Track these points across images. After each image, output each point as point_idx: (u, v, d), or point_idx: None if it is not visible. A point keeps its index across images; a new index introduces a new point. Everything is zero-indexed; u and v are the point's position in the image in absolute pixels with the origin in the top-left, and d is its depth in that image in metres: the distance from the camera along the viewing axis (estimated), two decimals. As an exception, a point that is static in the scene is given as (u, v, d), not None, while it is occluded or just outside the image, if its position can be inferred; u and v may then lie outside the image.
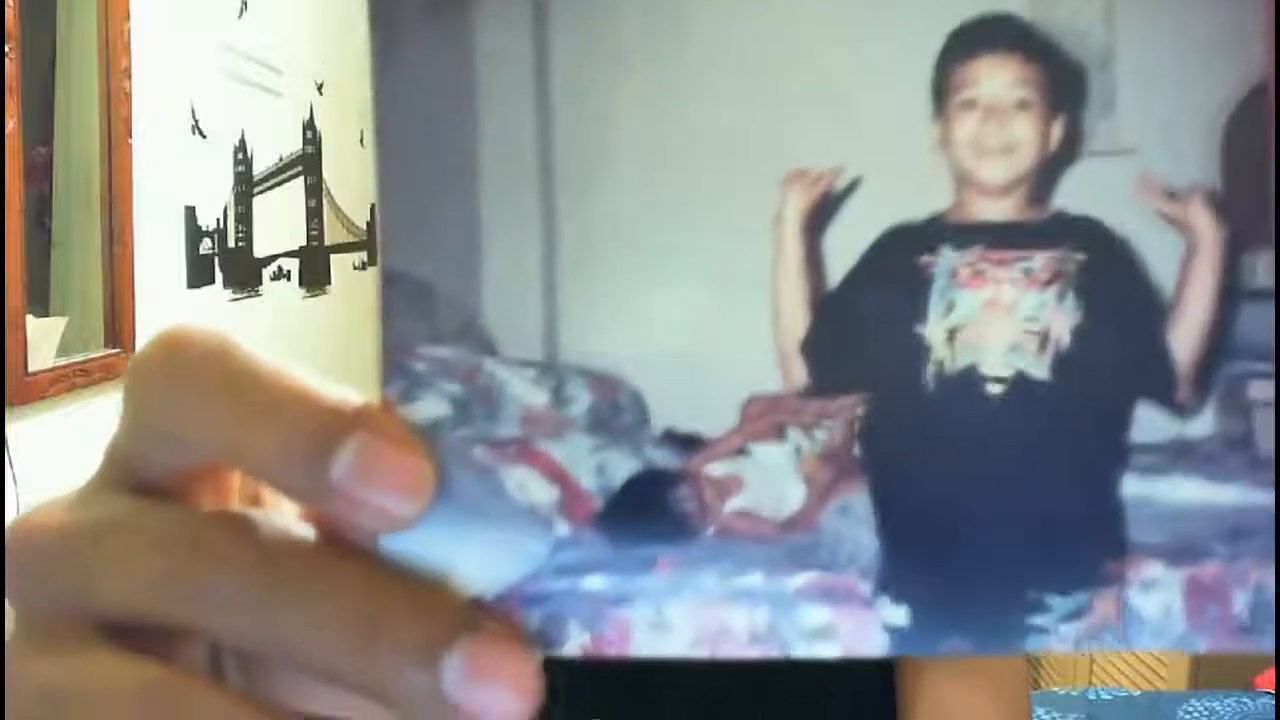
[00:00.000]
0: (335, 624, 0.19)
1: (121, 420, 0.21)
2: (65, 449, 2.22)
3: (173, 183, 2.68)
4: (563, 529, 0.21)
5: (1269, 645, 0.20)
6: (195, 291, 2.76)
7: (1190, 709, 2.15)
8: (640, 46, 0.21)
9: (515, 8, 0.21)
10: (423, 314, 0.21)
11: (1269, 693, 2.22)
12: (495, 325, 0.21)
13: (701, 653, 0.21)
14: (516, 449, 0.21)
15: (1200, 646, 0.20)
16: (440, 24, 0.21)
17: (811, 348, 0.21)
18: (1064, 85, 0.21)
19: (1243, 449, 0.21)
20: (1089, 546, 0.21)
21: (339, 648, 0.19)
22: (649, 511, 0.21)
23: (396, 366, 0.21)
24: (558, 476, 0.21)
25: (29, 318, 2.19)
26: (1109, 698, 2.24)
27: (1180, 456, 0.21)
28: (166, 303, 2.60)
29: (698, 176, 0.21)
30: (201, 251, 2.80)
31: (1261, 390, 0.21)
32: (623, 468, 0.21)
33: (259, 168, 3.09)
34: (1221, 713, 2.13)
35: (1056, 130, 0.21)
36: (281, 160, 3.19)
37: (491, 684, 0.19)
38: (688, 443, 0.21)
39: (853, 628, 0.20)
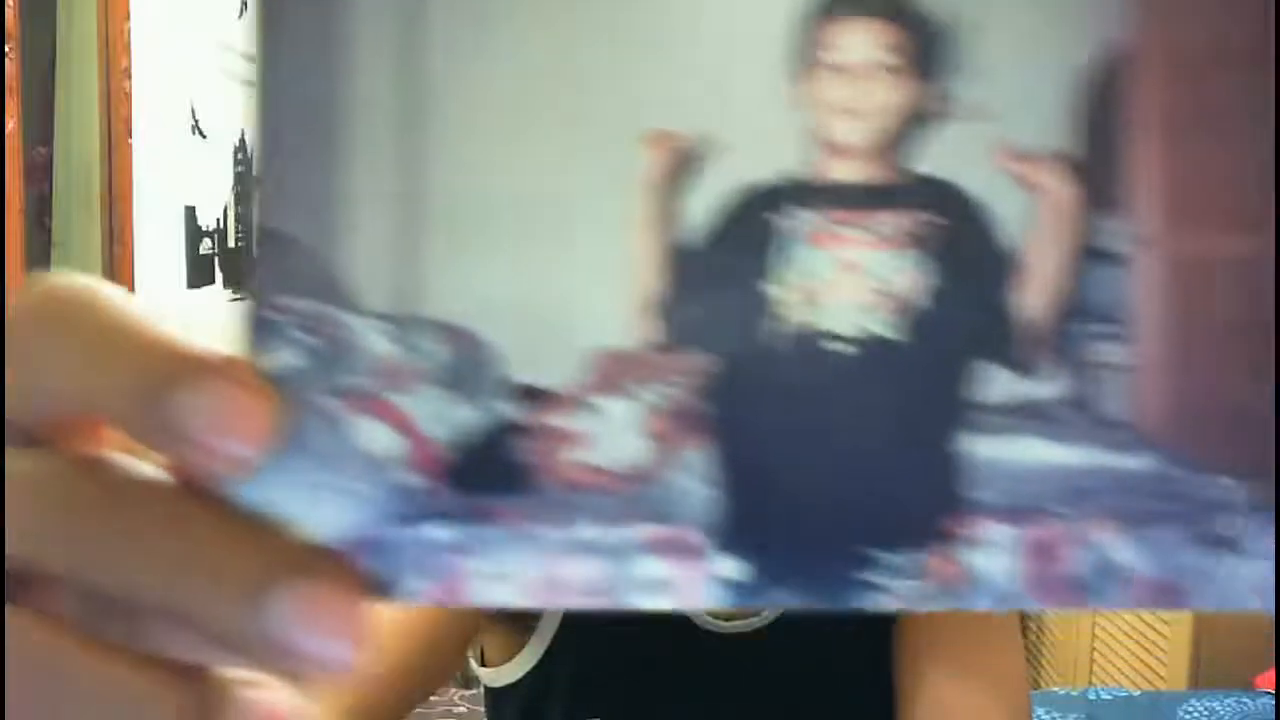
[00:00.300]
0: (169, 563, 0.20)
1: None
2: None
3: (173, 183, 2.69)
4: (407, 479, 0.21)
5: (1109, 604, 0.20)
6: (195, 291, 2.77)
7: (1190, 709, 2.15)
8: (505, 6, 0.21)
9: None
10: (287, 267, 0.21)
11: (1269, 693, 2.22)
12: (353, 279, 0.21)
13: (536, 603, 0.21)
14: (366, 400, 0.21)
15: (1040, 604, 0.20)
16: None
17: (662, 305, 0.21)
18: (925, 49, 0.21)
19: (1089, 411, 0.21)
20: (928, 505, 0.21)
21: (172, 587, 0.19)
22: (493, 464, 0.21)
23: (256, 318, 0.21)
24: (405, 428, 0.21)
25: None
26: (1109, 698, 2.24)
27: (1027, 418, 0.21)
28: (166, 303, 2.63)
29: (557, 131, 0.21)
30: (201, 251, 2.81)
31: (1110, 353, 0.21)
32: (470, 420, 0.21)
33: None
34: (1221, 713, 2.13)
35: (916, 94, 0.21)
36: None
37: (318, 627, 0.19)
38: (535, 396, 0.21)
39: (687, 580, 0.21)
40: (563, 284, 0.21)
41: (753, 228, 0.21)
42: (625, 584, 0.21)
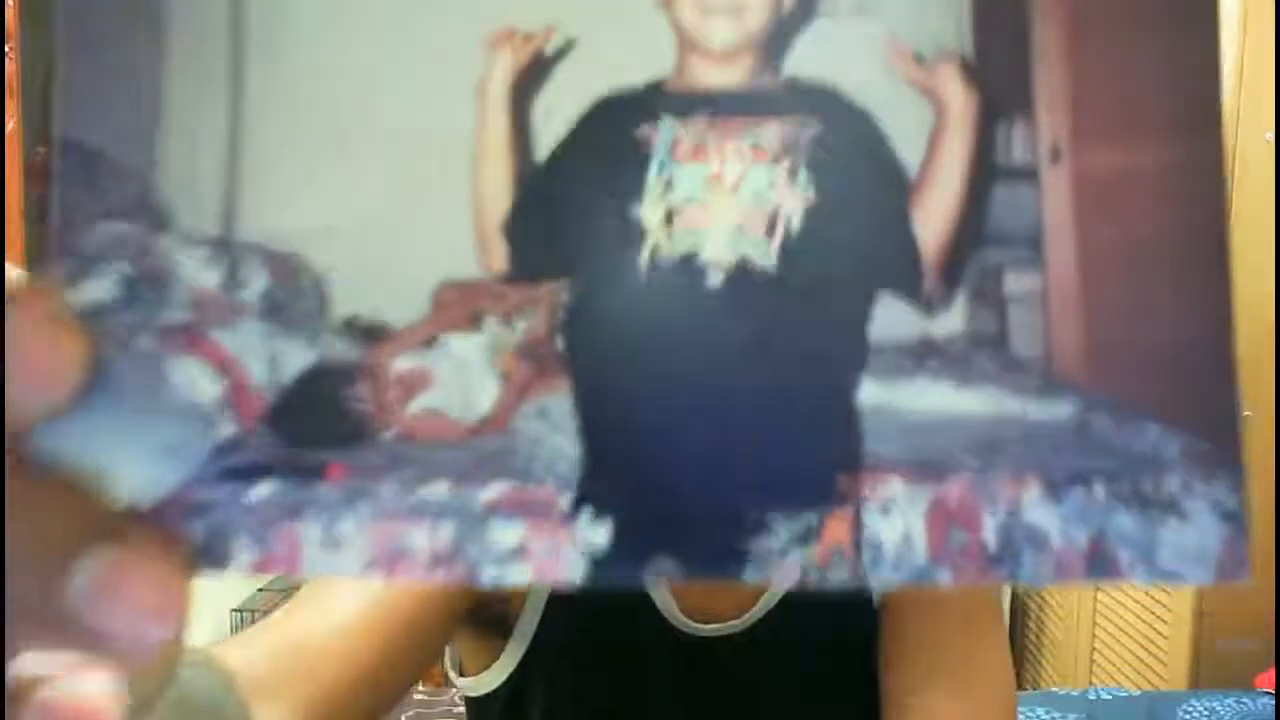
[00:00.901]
0: None
1: None
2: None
3: None
4: (228, 428, 0.18)
5: (1020, 577, 0.18)
6: None
7: (1190, 709, 2.13)
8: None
9: None
10: (95, 186, 0.19)
11: (1269, 693, 2.20)
12: (170, 199, 0.19)
13: (377, 574, 0.18)
14: (184, 337, 0.19)
15: (943, 579, 0.18)
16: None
17: (514, 229, 0.19)
18: (802, -62, 0.18)
19: (996, 349, 0.18)
20: (820, 460, 0.18)
21: None
22: (323, 411, 0.18)
23: (63, 244, 0.19)
24: (226, 368, 0.18)
25: None
26: (1109, 697, 2.22)
27: (925, 357, 0.18)
28: None
29: (395, 36, 0.19)
30: None
31: (1017, 282, 0.18)
32: (297, 359, 0.19)
33: None
34: (1221, 713, 2.11)
35: (792, -13, 0.19)
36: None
37: (125, 602, 0.17)
38: (371, 333, 0.19)
39: (548, 549, 0.18)
40: (401, 207, 0.19)
41: (616, 141, 0.18)
42: (478, 552, 0.18)
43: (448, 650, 0.95)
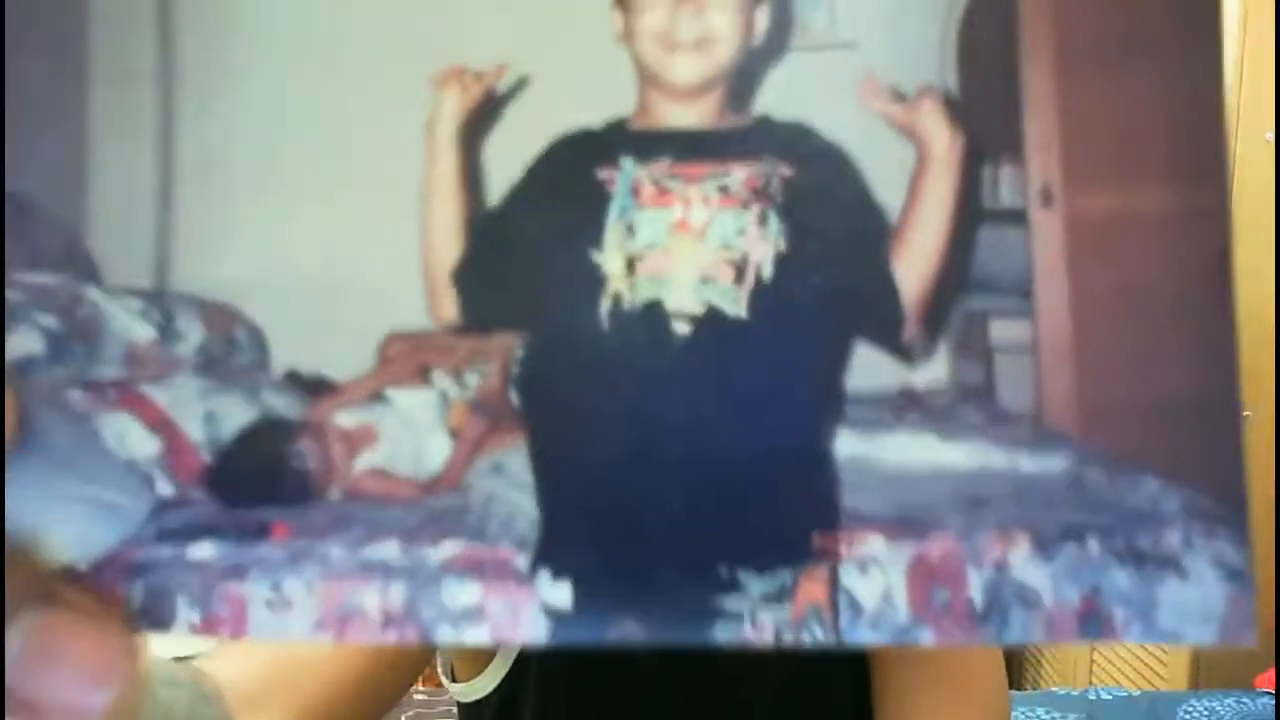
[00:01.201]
0: None
1: None
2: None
3: None
4: (166, 487, 0.17)
5: (1009, 637, 0.17)
6: None
7: (1190, 709, 2.12)
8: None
9: None
10: (22, 235, 0.18)
11: (1269, 693, 2.19)
12: (100, 248, 0.18)
13: (327, 636, 0.17)
14: (116, 393, 0.17)
15: (927, 638, 0.17)
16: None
17: (465, 276, 0.17)
18: (770, -35, 0.17)
19: (981, 401, 0.17)
20: (794, 516, 0.17)
21: None
22: (265, 469, 0.17)
23: None
24: (161, 426, 0.17)
25: None
26: (1109, 698, 2.21)
27: (906, 409, 0.17)
28: None
29: (339, 75, 0.18)
30: None
31: (1005, 330, 0.17)
32: (236, 416, 0.18)
33: None
34: (1221, 713, 2.10)
35: (761, 20, 0.17)
36: None
37: (61, 667, 0.16)
38: (314, 387, 0.18)
39: (506, 608, 0.17)
40: (344, 254, 0.17)
41: (574, 183, 0.17)
42: (432, 613, 0.17)
43: (439, 656, 0.95)
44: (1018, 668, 3.79)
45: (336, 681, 0.70)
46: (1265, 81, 2.29)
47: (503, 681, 0.84)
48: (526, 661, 0.86)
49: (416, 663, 0.77)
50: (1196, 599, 0.17)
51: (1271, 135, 2.30)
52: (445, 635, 0.17)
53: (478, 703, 0.88)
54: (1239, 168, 2.35)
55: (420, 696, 2.43)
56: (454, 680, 0.93)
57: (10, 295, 0.18)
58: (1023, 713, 2.15)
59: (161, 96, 0.18)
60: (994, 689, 0.82)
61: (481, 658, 0.86)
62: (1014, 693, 2.39)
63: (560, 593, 0.17)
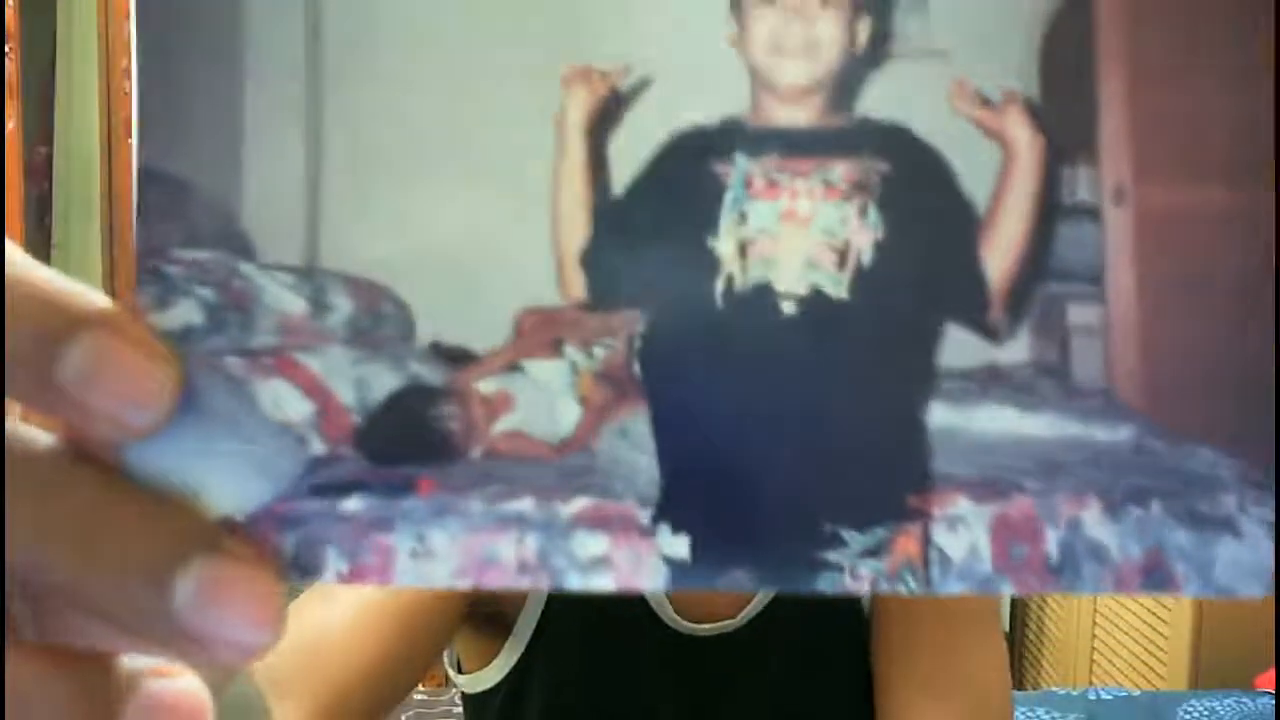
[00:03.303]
0: (60, 537, 0.18)
1: None
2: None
3: None
4: (319, 447, 0.19)
5: (1081, 588, 0.19)
6: None
7: (1190, 709, 2.14)
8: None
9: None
10: (180, 215, 0.20)
11: (1269, 693, 2.21)
12: (254, 227, 0.20)
13: (466, 582, 0.19)
14: (271, 360, 0.19)
15: (1007, 588, 0.19)
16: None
17: (592, 259, 0.19)
18: (872, -21, 0.19)
19: (1058, 377, 0.19)
20: (890, 478, 0.19)
21: (68, 567, 0.18)
22: (411, 430, 0.19)
23: (149, 271, 0.19)
24: (314, 391, 0.19)
25: None
26: (1109, 697, 2.23)
27: (991, 383, 0.19)
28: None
29: (476, 71, 0.20)
30: None
31: (1079, 314, 0.19)
32: (384, 382, 0.19)
33: None
34: (1221, 713, 2.12)
35: (862, 29, 0.19)
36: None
37: (227, 609, 0.18)
38: (455, 357, 0.19)
39: (630, 558, 0.19)
40: (482, 236, 0.19)
41: (689, 175, 0.19)
42: (563, 562, 0.19)
43: (446, 649, 0.97)
44: (1018, 668, 3.80)
45: (355, 669, 0.72)
46: None
47: (510, 673, 0.88)
48: (532, 656, 0.87)
49: (429, 653, 0.80)
50: (1249, 557, 0.18)
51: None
52: (574, 583, 0.19)
53: (485, 694, 0.91)
54: None
55: (420, 696, 2.44)
56: (460, 672, 0.93)
57: (171, 270, 0.20)
58: (1023, 713, 2.16)
59: (310, 87, 0.20)
60: (995, 687, 0.84)
61: (488, 649, 0.89)
62: (1014, 693, 2.40)
63: (679, 545, 0.19)
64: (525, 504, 0.19)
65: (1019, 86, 0.19)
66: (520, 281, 0.19)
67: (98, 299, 0.19)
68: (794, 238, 0.19)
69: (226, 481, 0.19)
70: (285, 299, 0.20)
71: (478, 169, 0.19)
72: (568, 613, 0.88)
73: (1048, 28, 0.19)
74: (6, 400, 0.19)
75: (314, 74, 0.20)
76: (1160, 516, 0.19)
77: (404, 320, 0.19)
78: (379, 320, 0.19)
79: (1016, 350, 0.19)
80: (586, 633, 0.88)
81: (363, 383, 0.19)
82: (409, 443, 0.19)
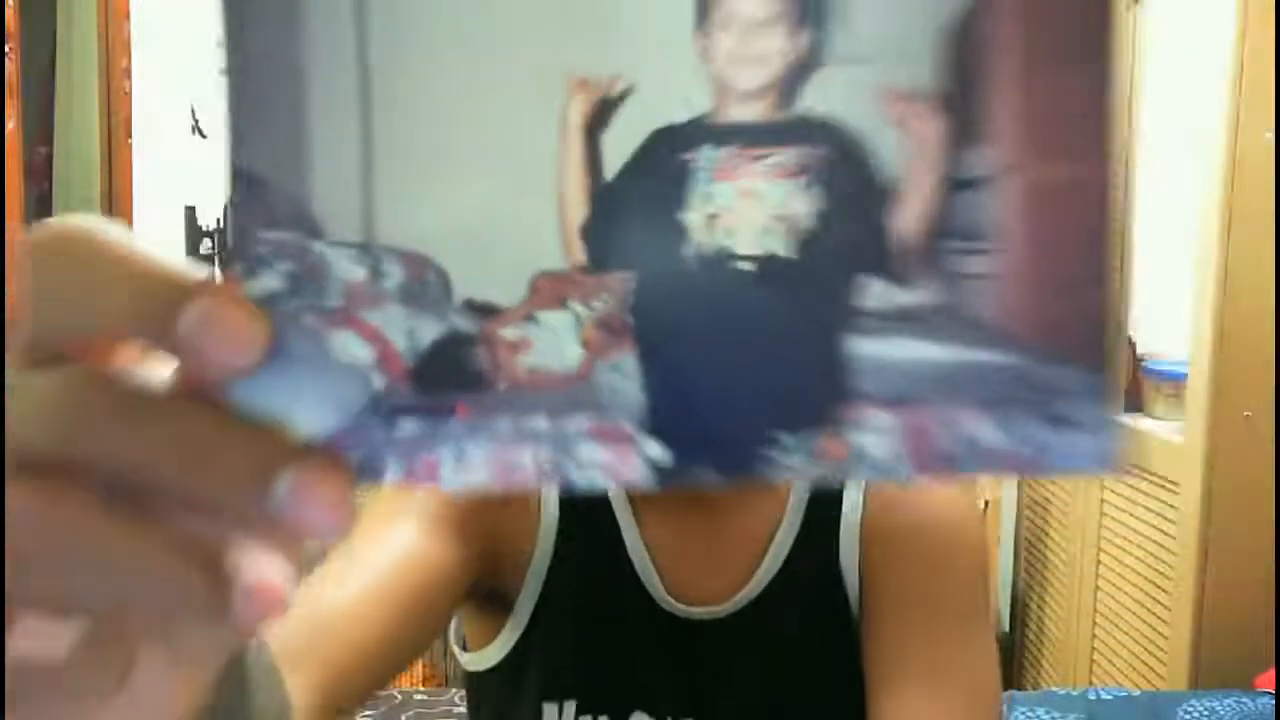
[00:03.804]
0: (191, 447, 0.24)
1: (20, 312, 0.26)
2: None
3: (173, 183, 2.72)
4: (379, 382, 0.25)
5: (969, 473, 0.24)
6: None
7: (1190, 709, 2.17)
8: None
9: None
10: (262, 205, 0.25)
11: (1269, 693, 2.23)
12: (322, 212, 0.25)
13: (497, 484, 0.25)
14: (340, 316, 0.25)
15: (913, 477, 0.24)
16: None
17: (590, 231, 0.25)
18: (808, 3, 0.25)
19: (957, 316, 0.25)
20: (820, 395, 0.25)
21: (194, 468, 0.24)
22: (451, 368, 0.25)
23: (239, 250, 0.25)
24: (374, 339, 0.25)
25: None
26: (1109, 697, 2.26)
27: (904, 321, 0.25)
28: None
29: (496, 82, 0.25)
30: (202, 251, 2.84)
31: (974, 265, 0.25)
32: (429, 332, 0.25)
33: None
34: (1221, 713, 2.15)
35: (802, 42, 0.25)
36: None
37: (313, 502, 0.24)
38: (484, 311, 0.25)
39: (621, 463, 0.25)
40: (502, 215, 0.25)
41: (665, 163, 0.25)
42: (570, 467, 0.25)
43: (453, 626, 1.00)
44: (1018, 668, 3.82)
45: (356, 648, 0.76)
46: (1265, 81, 2.35)
47: (510, 651, 0.93)
48: (532, 635, 0.92)
49: (429, 633, 0.84)
50: (1095, 447, 0.24)
51: (1271, 135, 2.36)
52: (580, 483, 0.25)
53: (486, 672, 0.96)
54: (1239, 168, 2.41)
55: (421, 696, 2.48)
56: (465, 650, 0.98)
57: (258, 248, 0.25)
58: (1023, 713, 2.20)
59: (360, 85, 0.26)
60: (986, 682, 0.87)
61: (490, 629, 0.94)
62: (1014, 693, 2.44)
63: (658, 450, 0.25)
64: (540, 423, 0.25)
65: (926, 81, 0.25)
66: (534, 251, 0.25)
67: (201, 271, 0.25)
68: (750, 211, 0.25)
69: (307, 411, 0.25)
70: (349, 269, 0.25)
71: (498, 161, 0.25)
72: (565, 594, 0.92)
73: (949, 38, 0.25)
74: (135, 344, 0.25)
75: (364, 85, 0.25)
76: (1031, 419, 0.24)
77: (443, 283, 0.25)
78: (424, 284, 0.25)
79: (922, 295, 0.25)
80: (582, 614, 0.92)
81: (412, 332, 0.25)
82: (449, 378, 0.25)
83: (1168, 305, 2.84)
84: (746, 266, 0.25)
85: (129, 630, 0.25)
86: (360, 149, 0.25)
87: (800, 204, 0.25)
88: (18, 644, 0.24)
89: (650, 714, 0.92)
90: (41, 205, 2.64)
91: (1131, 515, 2.82)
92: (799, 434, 0.25)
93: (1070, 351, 0.24)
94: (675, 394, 0.25)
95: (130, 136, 2.56)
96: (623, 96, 0.25)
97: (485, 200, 0.25)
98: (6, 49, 2.31)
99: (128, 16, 2.55)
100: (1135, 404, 2.96)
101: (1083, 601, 3.11)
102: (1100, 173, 0.24)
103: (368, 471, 0.25)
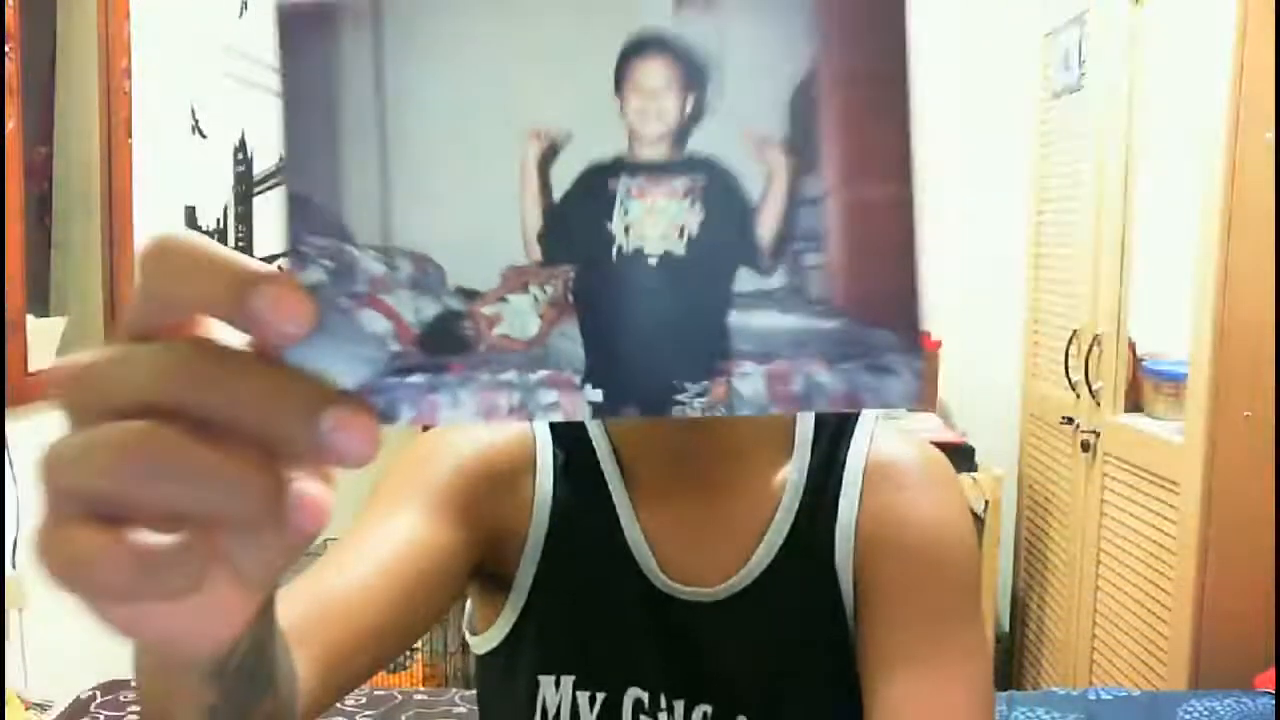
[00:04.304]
0: (260, 393, 0.36)
1: (131, 302, 0.38)
2: (64, 449, 2.36)
3: (173, 183, 2.83)
4: (394, 346, 0.37)
5: (814, 407, 0.37)
6: None
7: (1190, 709, 2.25)
8: (435, 49, 0.38)
9: (362, 26, 0.37)
10: (308, 218, 0.38)
11: (1269, 693, 2.29)
12: (352, 224, 0.38)
13: (481, 419, 0.37)
14: (365, 299, 0.37)
15: (774, 409, 0.37)
16: (320, 38, 0.38)
17: (544, 237, 0.37)
18: (693, 74, 0.37)
19: (802, 295, 0.37)
20: (708, 353, 0.37)
21: (261, 408, 0.36)
22: (446, 336, 0.37)
23: (292, 251, 0.38)
24: (391, 315, 0.37)
25: (29, 318, 2.28)
26: (1109, 697, 2.33)
27: (765, 299, 0.37)
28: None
29: (479, 129, 0.38)
30: None
31: (812, 260, 0.37)
32: (430, 310, 0.38)
33: (259, 168, 3.22)
34: (1221, 713, 2.23)
35: (689, 102, 0.37)
36: (281, 160, 3.31)
37: (348, 433, 0.36)
38: (470, 295, 0.38)
39: (569, 402, 0.37)
40: (484, 226, 0.38)
41: (595, 188, 0.37)
42: (533, 406, 0.37)
43: (466, 613, 1.08)
44: (1018, 668, 3.89)
45: (360, 625, 0.84)
46: (1265, 81, 2.44)
47: (509, 633, 1.01)
48: (528, 616, 1.00)
49: (429, 618, 0.92)
50: (904, 389, 0.37)
51: (1271, 135, 2.44)
52: (539, 416, 0.37)
53: (489, 654, 1.04)
54: (1239, 168, 2.49)
55: (421, 696, 2.53)
56: (474, 634, 1.07)
57: (305, 250, 0.38)
58: (1023, 713, 2.29)
59: (379, 131, 0.38)
60: (982, 681, 0.95)
61: (492, 612, 1.03)
62: (1014, 693, 2.52)
63: (596, 394, 0.37)
64: (511, 375, 0.37)
65: (778, 130, 0.37)
66: (505, 251, 0.37)
67: (264, 265, 0.37)
68: (655, 222, 0.37)
69: (343, 367, 0.37)
70: (371, 265, 0.38)
71: (478, 186, 0.38)
72: (560, 573, 1.00)
73: (792, 98, 0.37)
74: (213, 320, 0.38)
75: (381, 129, 0.38)
76: (857, 368, 0.37)
77: (440, 275, 0.38)
78: (425, 275, 0.38)
79: (777, 280, 0.37)
80: (578, 592, 0.99)
81: (418, 310, 0.38)
82: (445, 343, 0.37)
83: (1168, 305, 2.91)
84: (653, 261, 0.37)
85: (205, 541, 0.36)
86: (379, 177, 0.38)
87: (690, 217, 0.37)
88: (126, 544, 0.35)
89: (645, 691, 0.99)
90: (41, 205, 2.71)
91: (1131, 515, 2.89)
92: (695, 382, 0.37)
93: (884, 319, 0.36)
94: (606, 353, 0.37)
95: (130, 136, 2.65)
96: (565, 142, 0.37)
97: (469, 214, 0.37)
98: (6, 49, 2.33)
99: (128, 16, 2.64)
100: (1135, 404, 3.04)
101: (1083, 601, 3.19)
102: (903, 191, 0.36)
103: (387, 411, 0.37)
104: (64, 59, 2.68)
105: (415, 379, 0.37)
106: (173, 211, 2.86)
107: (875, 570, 0.98)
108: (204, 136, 2.95)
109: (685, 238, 0.37)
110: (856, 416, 1.03)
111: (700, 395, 0.37)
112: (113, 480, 0.34)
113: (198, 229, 2.92)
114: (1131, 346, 3.12)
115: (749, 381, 0.37)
